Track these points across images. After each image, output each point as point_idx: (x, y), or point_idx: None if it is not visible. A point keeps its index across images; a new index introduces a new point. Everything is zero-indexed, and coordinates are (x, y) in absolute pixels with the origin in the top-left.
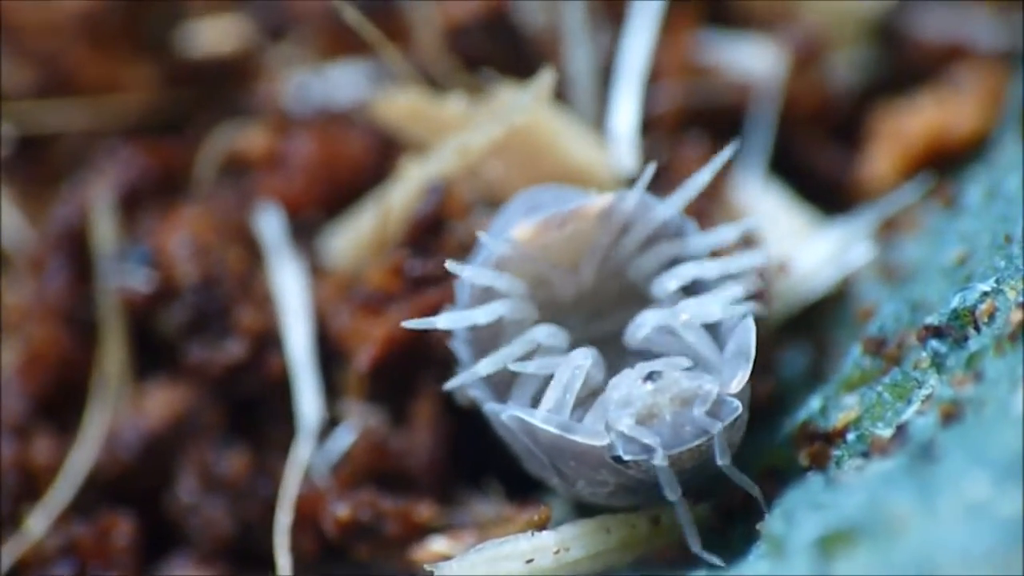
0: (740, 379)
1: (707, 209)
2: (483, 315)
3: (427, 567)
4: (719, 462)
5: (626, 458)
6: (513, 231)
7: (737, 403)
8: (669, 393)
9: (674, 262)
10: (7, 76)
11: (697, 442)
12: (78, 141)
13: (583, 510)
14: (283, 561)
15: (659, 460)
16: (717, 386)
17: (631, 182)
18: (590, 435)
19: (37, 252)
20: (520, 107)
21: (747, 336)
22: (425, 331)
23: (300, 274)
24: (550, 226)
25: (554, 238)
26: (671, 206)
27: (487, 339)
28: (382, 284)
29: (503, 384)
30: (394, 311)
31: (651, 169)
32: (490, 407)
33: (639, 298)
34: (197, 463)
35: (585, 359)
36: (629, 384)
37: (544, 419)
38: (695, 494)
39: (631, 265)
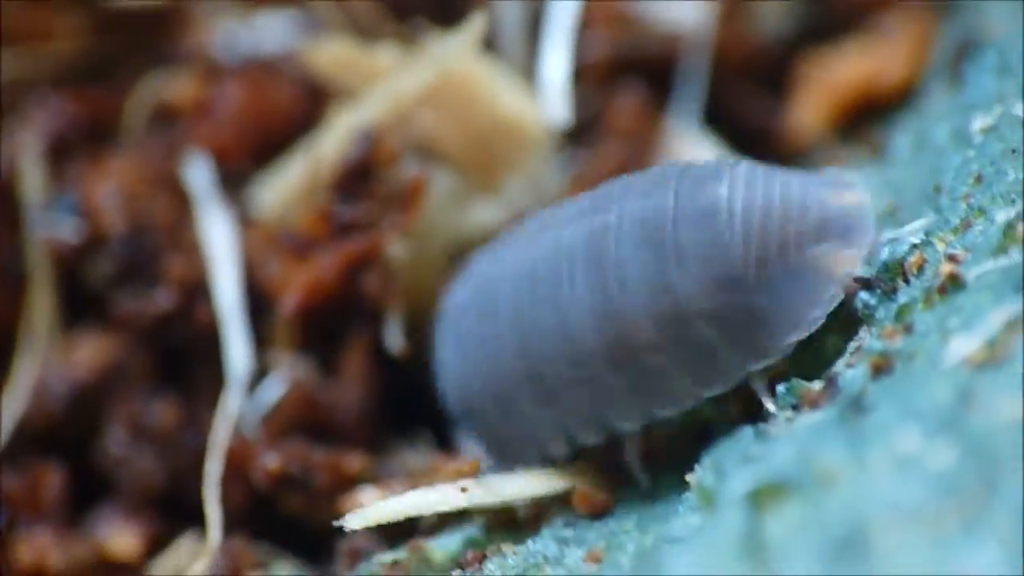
0: None
1: (641, 160)
2: None
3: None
4: None
5: None
6: None
7: None
8: None
9: None
10: None
11: None
12: (6, 90)
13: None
14: (212, 512)
15: None
16: None
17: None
18: None
19: None
20: (450, 52)
21: None
22: (352, 279)
23: (229, 223)
24: None
25: None
26: None
27: None
28: (309, 229)
29: None
30: (320, 256)
31: None
32: None
33: None
34: (126, 414)
35: None
36: None
37: None
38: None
39: None
